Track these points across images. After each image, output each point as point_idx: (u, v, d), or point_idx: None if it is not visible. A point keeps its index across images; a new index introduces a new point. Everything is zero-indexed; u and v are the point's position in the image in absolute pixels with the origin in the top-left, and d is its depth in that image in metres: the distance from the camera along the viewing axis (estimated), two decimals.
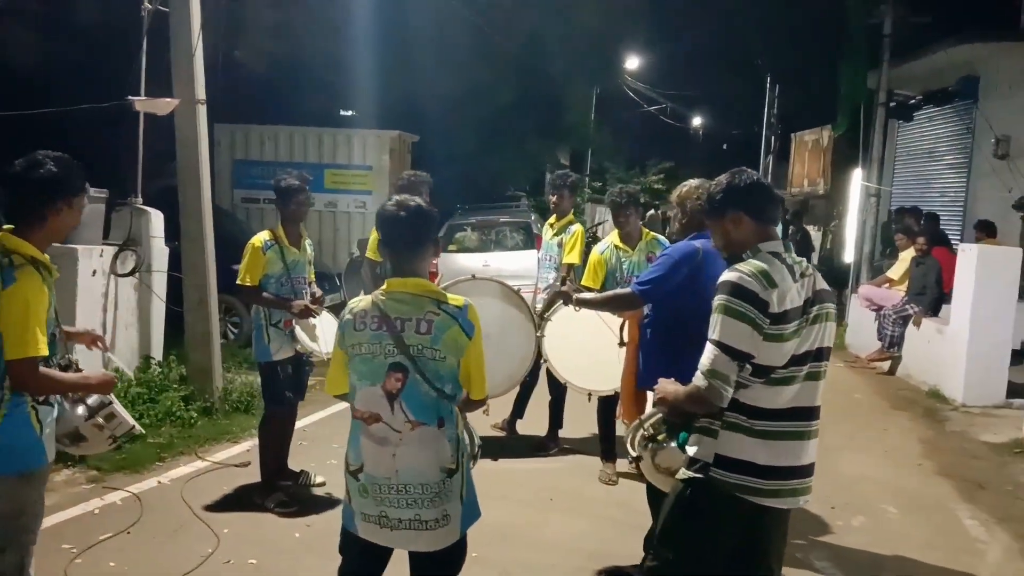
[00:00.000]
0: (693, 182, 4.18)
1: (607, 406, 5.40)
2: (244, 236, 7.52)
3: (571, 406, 6.15)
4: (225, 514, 4.73)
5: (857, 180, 12.50)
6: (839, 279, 15.01)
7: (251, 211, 12.27)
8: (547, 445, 6.11)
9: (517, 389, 6.04)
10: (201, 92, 6.04)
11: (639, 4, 20.74)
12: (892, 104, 14.00)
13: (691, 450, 2.74)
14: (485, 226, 11.93)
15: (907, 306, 9.49)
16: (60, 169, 2.80)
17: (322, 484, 5.21)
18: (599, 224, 19.89)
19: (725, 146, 39.25)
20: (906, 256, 10.15)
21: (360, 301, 2.72)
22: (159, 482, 5.14)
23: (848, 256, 12.53)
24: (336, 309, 4.52)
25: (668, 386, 2.83)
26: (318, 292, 5.02)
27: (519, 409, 6.37)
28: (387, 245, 2.76)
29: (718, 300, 2.62)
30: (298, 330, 4.77)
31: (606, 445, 5.68)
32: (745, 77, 27.00)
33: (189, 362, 6.42)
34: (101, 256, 6.04)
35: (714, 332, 2.60)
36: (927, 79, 14.45)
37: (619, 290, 4.30)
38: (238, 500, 4.97)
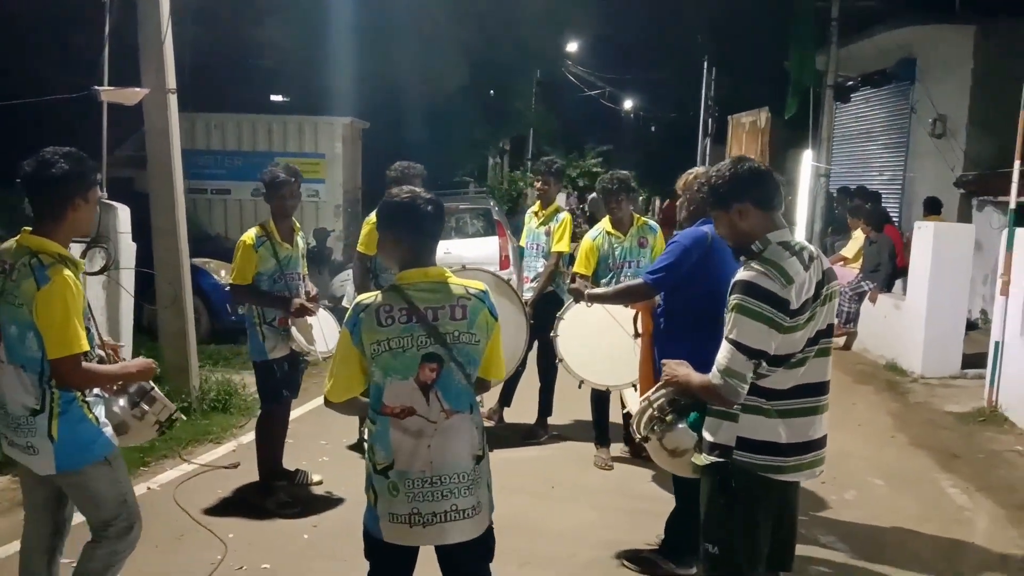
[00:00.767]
0: (699, 170, 4.23)
1: (600, 392, 5.41)
2: (192, 228, 7.31)
3: (556, 392, 6.16)
4: (226, 519, 4.59)
5: (807, 160, 12.75)
6: None
7: (198, 202, 11.84)
8: (537, 433, 6.10)
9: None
10: (172, 81, 5.80)
11: None
12: (830, 86, 14.35)
13: (711, 435, 2.77)
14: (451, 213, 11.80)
15: (863, 283, 9.78)
16: (71, 165, 2.78)
17: (319, 483, 5.09)
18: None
19: (653, 128, 39.74)
20: (859, 235, 10.45)
21: (372, 297, 2.61)
22: (148, 488, 4.94)
23: (799, 235, 12.79)
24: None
25: (678, 368, 2.88)
26: (313, 289, 4.88)
27: (507, 398, 6.34)
28: (406, 236, 2.67)
29: (734, 299, 2.64)
30: (294, 330, 4.63)
31: (599, 431, 5.71)
32: (683, 61, 27.34)
33: (163, 361, 6.17)
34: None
35: (730, 331, 2.62)
36: (868, 61, 14.85)
37: (630, 281, 4.30)
38: (236, 503, 4.83)
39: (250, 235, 4.63)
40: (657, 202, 27.13)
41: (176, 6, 6.10)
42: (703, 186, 2.95)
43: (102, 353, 3.03)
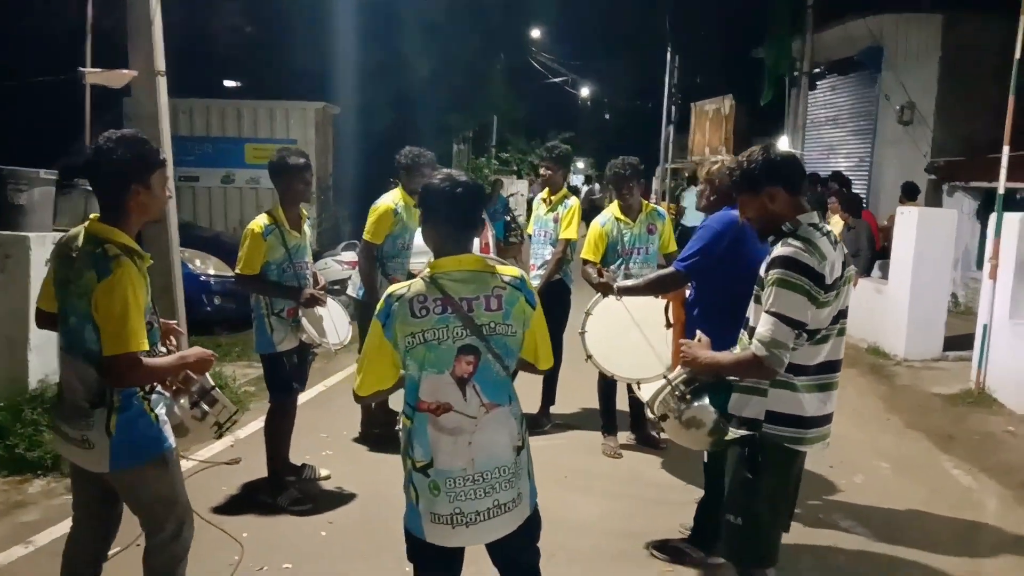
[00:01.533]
0: (723, 158, 4.19)
1: (607, 380, 5.35)
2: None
3: (559, 380, 6.09)
4: (237, 517, 4.42)
5: (784, 147, 12.81)
6: None
7: (183, 191, 11.48)
8: (541, 422, 6.02)
9: None
10: (161, 63, 5.55)
11: None
12: (795, 74, 14.49)
13: (739, 411, 2.91)
14: None
15: None
16: (126, 151, 2.64)
17: (327, 477, 4.95)
18: (513, 194, 19.76)
19: (608, 116, 39.88)
20: (837, 221, 10.54)
21: (405, 287, 2.50)
22: None
23: None
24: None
25: (699, 350, 3.01)
26: (321, 279, 4.72)
27: None
28: (441, 223, 2.56)
29: (775, 274, 2.75)
30: (305, 321, 4.46)
31: (607, 419, 5.66)
32: (645, 48, 27.40)
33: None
34: (54, 243, 5.49)
35: (772, 304, 2.73)
36: (834, 49, 15.02)
37: (662, 271, 4.22)
38: (244, 501, 4.66)
39: (259, 223, 4.45)
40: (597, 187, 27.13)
41: None
42: (734, 170, 3.08)
43: (164, 350, 2.88)
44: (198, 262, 9.19)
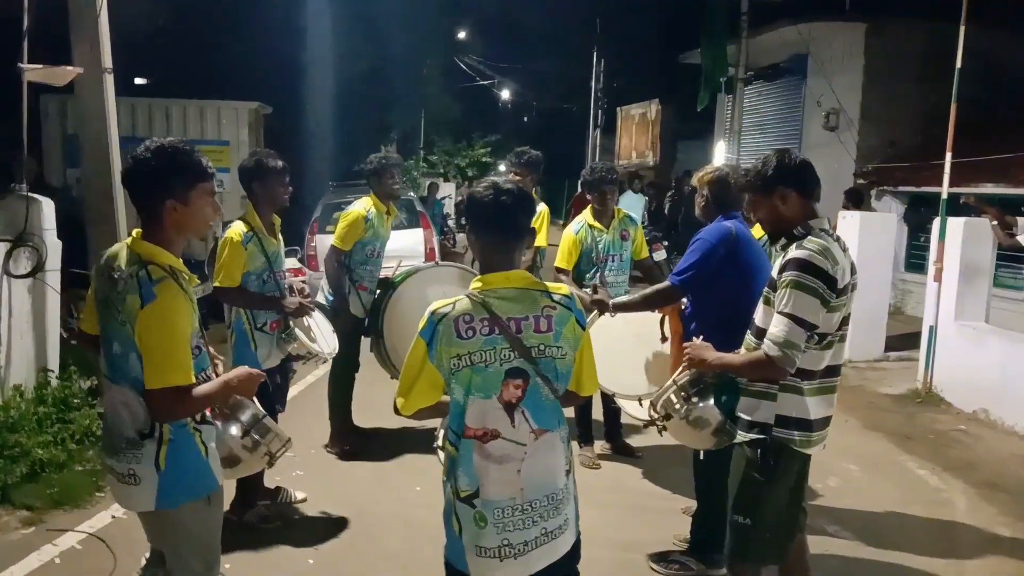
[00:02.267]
0: (716, 165, 4.18)
1: None
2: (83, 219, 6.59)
3: None
4: None
5: (720, 152, 13.09)
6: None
7: None
8: None
9: None
10: (108, 59, 5.20)
11: None
12: (723, 80, 14.77)
13: (748, 414, 2.96)
14: None
15: None
16: (161, 162, 2.41)
17: (304, 500, 4.72)
18: (445, 197, 19.54)
19: (526, 119, 39.99)
20: None
21: (450, 304, 2.35)
22: (113, 516, 4.41)
23: None
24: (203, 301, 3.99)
25: (705, 352, 3.04)
26: (305, 287, 4.48)
27: None
28: (486, 235, 2.42)
29: (789, 276, 2.79)
30: (298, 331, 4.24)
31: (583, 429, 5.58)
32: (571, 52, 27.58)
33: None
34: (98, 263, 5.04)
35: (786, 306, 2.77)
36: (760, 57, 15.36)
37: (657, 285, 4.15)
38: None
39: (236, 231, 4.17)
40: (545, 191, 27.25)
41: None
42: (749, 172, 3.15)
43: (214, 374, 2.65)
44: None
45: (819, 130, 14.56)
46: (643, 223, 9.54)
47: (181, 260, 2.52)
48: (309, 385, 7.07)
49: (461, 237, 19.34)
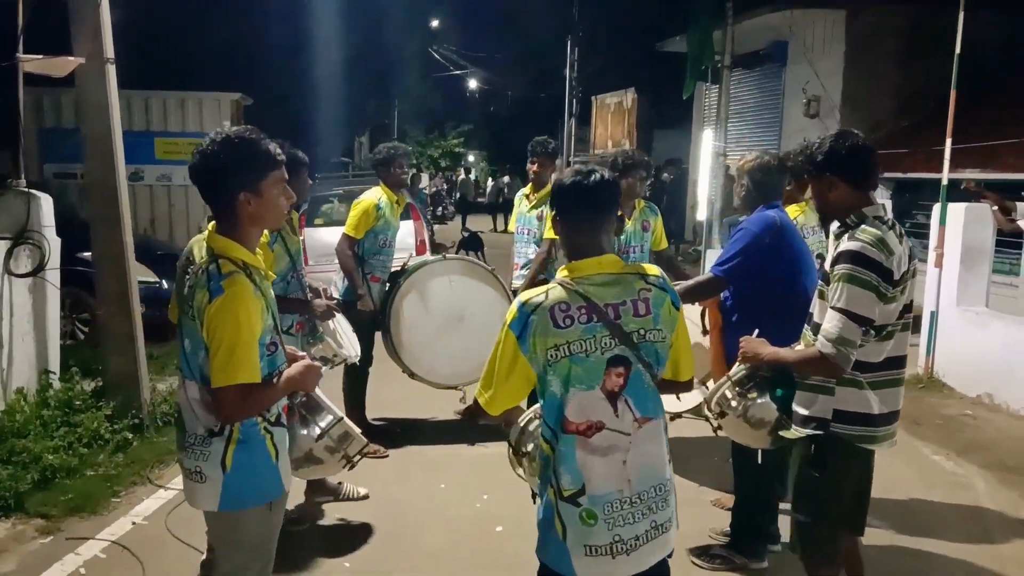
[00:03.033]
0: (757, 153, 4.13)
1: None
2: (74, 217, 6.42)
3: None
4: None
5: (708, 140, 13.09)
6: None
7: (68, 188, 10.55)
8: None
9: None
10: (110, 49, 4.99)
11: None
12: (704, 68, 14.76)
13: (805, 409, 2.86)
14: (352, 197, 11.10)
15: None
16: (229, 155, 2.30)
17: (366, 497, 4.60)
18: (422, 188, 19.37)
19: (492, 108, 39.80)
20: None
21: (542, 293, 2.26)
22: (133, 523, 4.27)
23: (701, 214, 13.16)
24: None
25: (761, 347, 2.97)
26: (328, 288, 4.36)
27: None
28: (576, 221, 2.35)
29: (843, 269, 2.69)
30: (325, 335, 4.11)
31: None
32: (545, 41, 27.43)
33: (109, 370, 5.39)
34: None
35: (839, 300, 2.67)
36: (743, 44, 15.38)
37: (700, 277, 4.09)
38: None
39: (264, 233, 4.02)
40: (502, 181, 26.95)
41: None
42: (804, 150, 3.02)
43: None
44: None
45: (800, 117, 14.63)
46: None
47: (259, 255, 2.43)
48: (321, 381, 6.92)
49: (439, 228, 19.22)
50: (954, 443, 5.93)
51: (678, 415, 4.26)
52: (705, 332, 4.07)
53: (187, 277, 2.39)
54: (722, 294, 3.98)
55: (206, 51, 13.02)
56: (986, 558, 4.17)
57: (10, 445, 4.57)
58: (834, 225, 2.98)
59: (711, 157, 12.87)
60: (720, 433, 3.24)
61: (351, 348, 4.35)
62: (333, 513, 4.48)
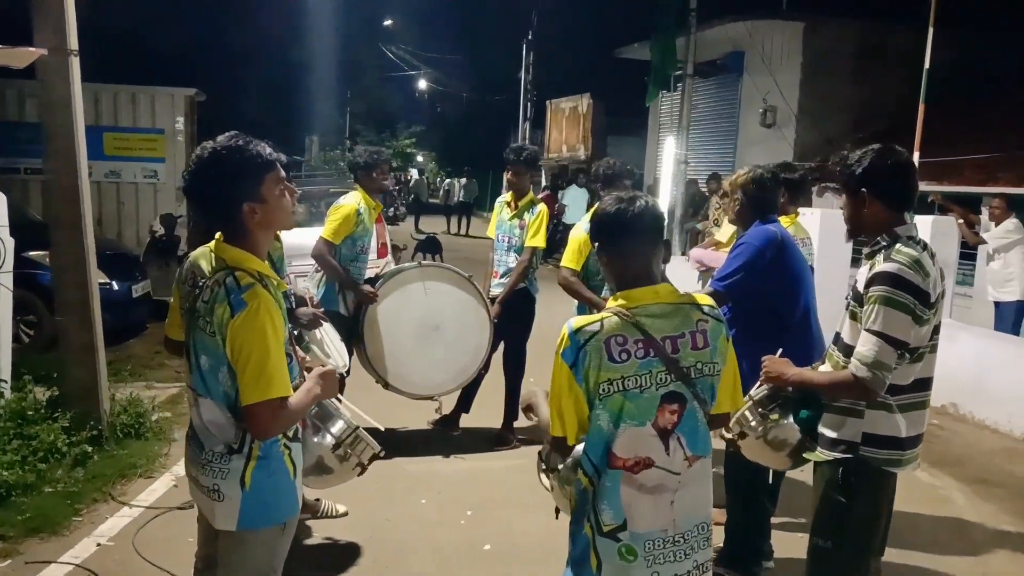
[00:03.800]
0: (749, 166, 4.07)
1: None
2: (15, 215, 6.10)
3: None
4: None
5: (670, 147, 13.12)
6: None
7: (12, 183, 10.01)
8: (507, 438, 5.69)
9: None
10: (74, 41, 4.71)
11: None
12: (667, 76, 14.80)
13: (833, 432, 2.76)
14: (312, 197, 10.82)
15: None
16: (223, 169, 2.19)
17: (345, 514, 4.41)
18: None
19: (439, 108, 39.64)
20: (728, 227, 10.87)
21: (597, 322, 2.13)
22: (98, 544, 3.99)
23: None
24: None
25: (785, 367, 2.86)
26: (311, 293, 4.16)
27: (466, 404, 5.83)
28: (628, 250, 2.23)
29: (879, 291, 2.60)
30: (312, 345, 3.92)
31: None
32: (501, 43, 27.36)
33: (66, 381, 5.08)
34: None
35: (875, 323, 2.58)
36: (700, 53, 15.52)
37: (697, 292, 4.01)
38: None
39: None
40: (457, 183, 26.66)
41: None
42: (844, 159, 2.87)
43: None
44: None
45: (756, 127, 14.82)
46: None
47: (267, 263, 2.30)
48: None
49: (391, 229, 18.91)
50: (927, 454, 5.90)
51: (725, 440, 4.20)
52: None
53: (197, 291, 2.24)
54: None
55: (161, 46, 12.59)
56: (976, 572, 4.19)
57: None
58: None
59: (672, 164, 12.89)
60: (731, 449, 3.17)
61: (339, 358, 4.17)
62: (318, 532, 4.27)
